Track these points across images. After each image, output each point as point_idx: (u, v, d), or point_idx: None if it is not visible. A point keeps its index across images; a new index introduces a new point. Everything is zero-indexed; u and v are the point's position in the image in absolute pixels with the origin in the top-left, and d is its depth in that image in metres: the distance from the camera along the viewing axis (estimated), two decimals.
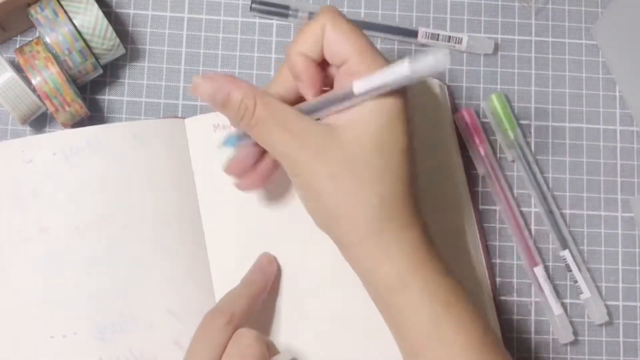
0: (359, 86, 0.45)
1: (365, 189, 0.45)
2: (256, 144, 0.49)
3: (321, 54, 0.48)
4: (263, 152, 0.50)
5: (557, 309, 0.58)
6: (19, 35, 0.60)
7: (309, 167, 0.46)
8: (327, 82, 0.49)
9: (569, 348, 0.59)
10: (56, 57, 0.55)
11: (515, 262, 0.59)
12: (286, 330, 0.55)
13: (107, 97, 0.60)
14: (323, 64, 0.48)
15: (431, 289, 0.46)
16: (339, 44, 0.46)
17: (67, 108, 0.55)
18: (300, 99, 0.49)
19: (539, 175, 0.60)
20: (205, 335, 0.48)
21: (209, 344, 0.48)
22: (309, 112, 0.47)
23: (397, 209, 0.46)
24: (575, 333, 0.58)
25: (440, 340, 0.45)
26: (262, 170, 0.50)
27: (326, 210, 0.47)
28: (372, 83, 0.44)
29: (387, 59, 0.47)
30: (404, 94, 0.46)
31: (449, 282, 0.46)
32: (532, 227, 0.60)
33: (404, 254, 0.46)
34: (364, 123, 0.45)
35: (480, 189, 0.60)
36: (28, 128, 0.59)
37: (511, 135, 0.60)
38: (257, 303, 0.52)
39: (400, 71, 0.44)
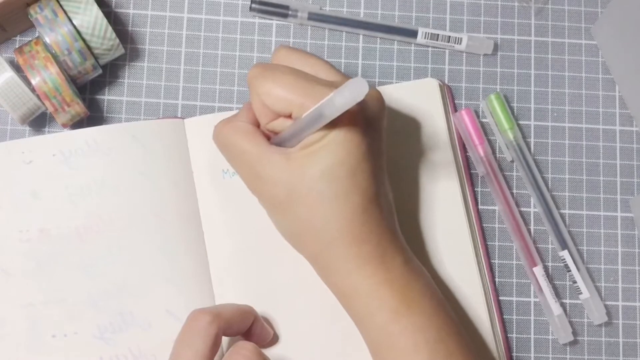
0: (297, 120, 0.48)
1: (311, 213, 0.48)
2: None
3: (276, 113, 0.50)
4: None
5: (556, 309, 0.58)
6: (18, 35, 0.60)
7: (264, 195, 0.50)
8: None
9: (568, 348, 0.59)
10: (55, 57, 0.55)
11: (514, 262, 0.59)
12: (281, 340, 0.55)
13: (107, 97, 0.60)
14: None
15: (380, 300, 0.48)
16: (277, 104, 0.48)
17: (66, 108, 0.55)
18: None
19: (538, 176, 0.60)
20: (188, 331, 0.49)
21: (191, 341, 0.48)
22: (278, 143, 0.50)
23: (343, 229, 0.48)
24: (574, 333, 0.58)
25: (390, 346, 0.48)
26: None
27: (285, 232, 0.51)
28: (307, 115, 0.46)
29: (337, 81, 0.49)
30: (353, 118, 0.47)
31: (401, 293, 0.49)
32: (532, 228, 0.60)
33: (352, 268, 0.49)
34: (309, 151, 0.47)
35: (479, 189, 0.60)
36: (27, 128, 0.59)
37: (510, 135, 0.60)
38: (245, 318, 0.52)
39: (327, 103, 0.44)
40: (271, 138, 0.51)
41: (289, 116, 0.49)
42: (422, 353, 0.48)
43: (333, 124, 0.46)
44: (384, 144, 0.51)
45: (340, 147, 0.47)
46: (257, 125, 0.51)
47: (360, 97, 0.43)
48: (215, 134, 0.52)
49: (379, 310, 0.48)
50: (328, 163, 0.47)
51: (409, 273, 0.50)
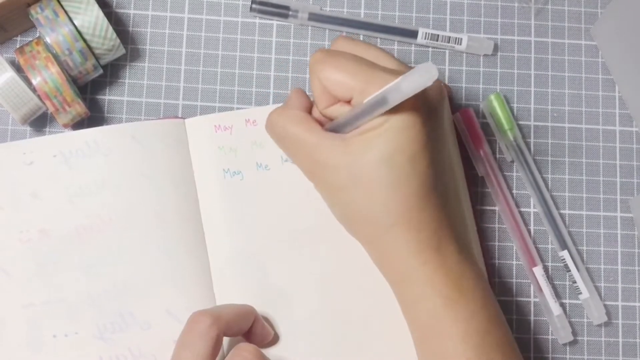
0: (359, 104, 0.48)
1: (371, 199, 0.48)
2: None
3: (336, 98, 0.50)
4: None
5: (556, 309, 0.58)
6: (19, 35, 0.60)
7: (322, 181, 0.50)
8: None
9: (568, 348, 0.59)
10: (56, 57, 0.55)
11: (514, 262, 0.59)
12: (281, 340, 0.55)
13: (108, 97, 0.60)
14: None
15: (434, 286, 0.49)
16: (338, 89, 0.49)
17: (67, 108, 0.55)
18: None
19: (538, 176, 0.60)
20: (189, 334, 0.49)
21: (192, 343, 0.48)
22: (334, 129, 0.50)
23: (403, 214, 0.48)
24: (574, 333, 0.59)
25: (439, 332, 0.49)
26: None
27: (342, 217, 0.51)
28: (370, 99, 0.47)
29: (398, 69, 0.49)
30: (414, 104, 0.47)
31: (455, 281, 0.49)
32: (531, 228, 0.60)
33: (410, 253, 0.49)
34: (368, 137, 0.48)
35: (479, 190, 0.60)
36: (28, 128, 0.59)
37: (510, 135, 0.60)
38: (246, 319, 0.52)
39: (392, 88, 0.45)
40: (324, 124, 0.51)
41: (348, 102, 0.49)
42: (471, 342, 0.48)
43: (393, 111, 0.47)
44: (446, 132, 0.52)
45: (400, 133, 0.47)
46: (309, 111, 0.52)
47: (429, 83, 0.43)
48: (270, 124, 0.52)
49: (432, 297, 0.49)
50: (388, 149, 0.47)
51: (463, 262, 0.50)
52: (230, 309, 0.51)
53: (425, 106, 0.48)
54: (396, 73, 0.47)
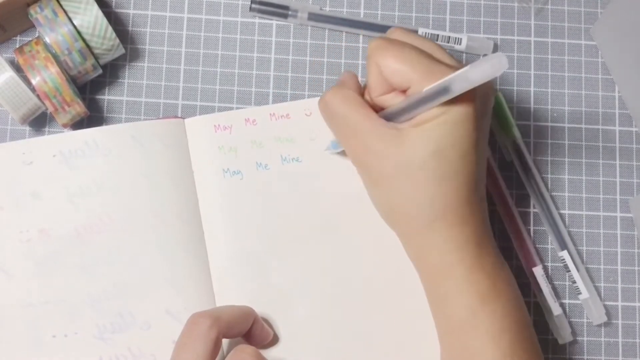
0: (418, 94, 0.48)
1: (418, 191, 0.48)
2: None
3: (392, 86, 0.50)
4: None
5: (556, 310, 0.58)
6: (18, 35, 0.60)
7: (369, 167, 0.50)
8: None
9: (567, 348, 0.59)
10: (56, 57, 0.55)
11: (514, 262, 0.59)
12: (280, 341, 0.55)
13: (107, 97, 0.60)
14: None
15: (472, 283, 0.49)
16: (396, 77, 0.48)
17: (66, 108, 0.55)
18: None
19: (537, 176, 0.60)
20: (189, 335, 0.49)
21: (192, 344, 0.48)
22: (387, 117, 0.50)
23: (447, 209, 0.48)
24: (574, 333, 0.59)
25: (475, 327, 0.49)
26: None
27: (383, 205, 0.51)
28: (430, 91, 0.46)
29: (452, 65, 0.49)
30: (471, 98, 0.47)
31: (491, 279, 0.49)
32: (531, 228, 0.60)
33: (450, 249, 0.49)
34: (424, 128, 0.48)
35: None
36: (28, 128, 0.59)
37: (510, 135, 0.60)
38: (246, 320, 0.52)
39: (459, 76, 0.45)
40: (378, 111, 0.50)
41: (403, 92, 0.49)
42: (504, 339, 0.49)
43: (450, 103, 0.47)
44: (489, 129, 0.52)
45: (455, 128, 0.47)
46: (361, 95, 0.52)
47: (498, 73, 0.43)
48: (325, 102, 0.52)
49: (469, 293, 0.49)
50: (442, 143, 0.47)
51: (497, 261, 0.51)
52: (229, 310, 0.51)
53: (479, 100, 0.49)
54: (453, 68, 0.47)
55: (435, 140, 0.47)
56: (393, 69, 0.48)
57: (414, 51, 0.49)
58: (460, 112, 0.47)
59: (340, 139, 0.52)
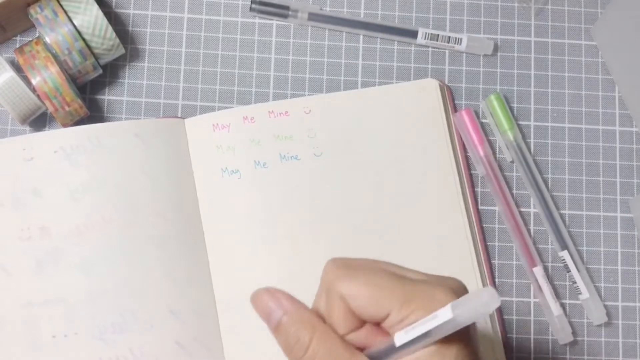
0: (400, 338, 0.39)
1: None
2: None
3: (362, 320, 0.41)
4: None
5: (556, 310, 0.58)
6: (18, 35, 0.60)
7: None
8: None
9: (568, 349, 0.59)
10: (56, 57, 0.55)
11: (514, 262, 0.59)
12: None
13: (107, 97, 0.60)
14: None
15: None
16: (371, 308, 0.40)
17: (66, 108, 0.55)
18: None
19: (538, 176, 0.60)
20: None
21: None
22: (373, 358, 0.42)
23: None
24: (574, 334, 0.59)
25: None
26: None
27: None
28: (414, 333, 0.39)
29: (417, 278, 0.41)
30: (465, 336, 0.40)
31: None
32: (531, 228, 0.60)
33: None
34: None
35: (479, 190, 0.60)
36: (28, 128, 0.59)
37: (510, 135, 0.60)
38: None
39: (442, 317, 0.38)
40: (364, 349, 0.41)
41: (378, 323, 0.41)
42: None
43: (443, 344, 0.39)
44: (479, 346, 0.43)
45: None
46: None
47: (488, 312, 0.36)
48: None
49: None
50: None
51: None
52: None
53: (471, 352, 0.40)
54: (430, 284, 0.40)
55: None
56: (366, 299, 0.40)
57: (379, 272, 0.41)
58: (454, 352, 0.39)
59: None
